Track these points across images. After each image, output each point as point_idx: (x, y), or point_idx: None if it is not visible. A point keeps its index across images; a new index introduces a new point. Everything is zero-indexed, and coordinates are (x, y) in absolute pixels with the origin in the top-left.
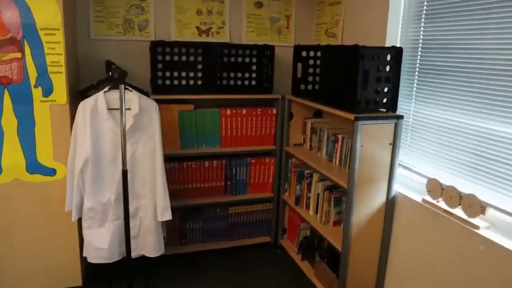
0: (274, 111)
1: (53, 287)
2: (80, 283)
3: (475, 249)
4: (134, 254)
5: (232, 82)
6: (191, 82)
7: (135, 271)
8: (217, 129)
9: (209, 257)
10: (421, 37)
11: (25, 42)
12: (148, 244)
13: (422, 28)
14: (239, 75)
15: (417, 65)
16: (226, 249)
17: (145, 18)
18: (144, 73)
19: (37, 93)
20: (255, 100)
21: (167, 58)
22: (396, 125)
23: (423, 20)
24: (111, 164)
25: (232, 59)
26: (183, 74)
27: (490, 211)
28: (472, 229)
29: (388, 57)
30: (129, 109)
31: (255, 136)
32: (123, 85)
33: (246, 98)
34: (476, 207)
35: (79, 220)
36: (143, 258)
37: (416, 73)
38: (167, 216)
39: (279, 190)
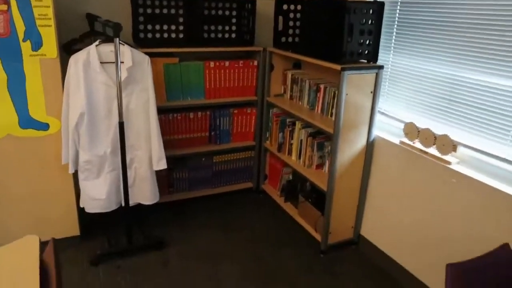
0: (255, 63)
1: (50, 236)
2: (78, 233)
3: (448, 181)
4: (131, 203)
5: (213, 35)
6: (173, 35)
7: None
8: (201, 81)
9: (196, 204)
10: None
11: None
12: (144, 192)
13: None
14: (220, 28)
15: (396, 19)
16: (212, 195)
17: None
18: (124, 26)
19: (26, 47)
20: (236, 52)
21: (149, 10)
22: (377, 75)
23: None
24: (105, 117)
25: (213, 12)
26: (165, 27)
27: (460, 149)
28: (445, 164)
29: (371, 11)
30: (122, 62)
31: (237, 88)
32: (118, 39)
33: (228, 51)
34: (449, 145)
35: (75, 172)
36: (134, 207)
37: (395, 26)
38: (163, 165)
39: (260, 138)
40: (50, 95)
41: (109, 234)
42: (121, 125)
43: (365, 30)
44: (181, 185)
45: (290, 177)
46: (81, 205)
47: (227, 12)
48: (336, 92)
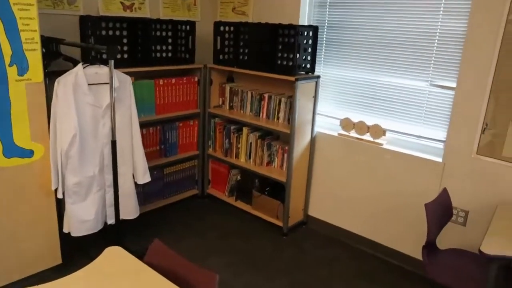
0: (196, 78)
1: (33, 270)
2: (60, 261)
3: (382, 158)
4: (115, 219)
5: (154, 55)
6: (119, 55)
7: (103, 236)
8: (152, 98)
9: (153, 216)
10: (327, 18)
11: None
12: (127, 208)
13: (327, 12)
14: (164, 48)
15: (324, 39)
16: (165, 206)
17: None
18: (74, 48)
19: (12, 72)
20: (174, 70)
21: (97, 32)
22: (316, 83)
23: (328, 6)
24: (92, 138)
25: (157, 34)
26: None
27: (388, 133)
28: (378, 146)
29: (310, 33)
30: (107, 83)
31: (181, 102)
32: (112, 61)
33: (168, 69)
34: (380, 132)
35: (57, 198)
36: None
37: (324, 44)
38: (147, 178)
39: (203, 147)
40: (35, 120)
41: (93, 255)
42: (113, 144)
43: (307, 48)
44: (138, 199)
45: (239, 177)
46: (66, 230)
47: (169, 33)
48: (282, 99)
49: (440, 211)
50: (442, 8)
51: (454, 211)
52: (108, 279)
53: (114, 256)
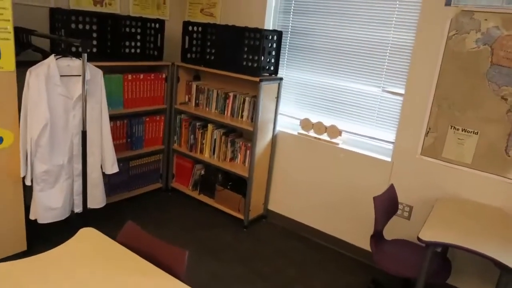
0: (164, 75)
1: None
2: (25, 248)
3: (337, 157)
4: (83, 208)
5: (122, 50)
6: (88, 49)
7: (68, 225)
8: (121, 92)
9: (117, 208)
10: (290, 24)
11: None
12: (95, 197)
13: (291, 18)
14: (133, 44)
15: (288, 43)
16: (128, 198)
17: None
18: (43, 39)
19: None
20: (141, 66)
21: (67, 25)
22: (279, 84)
23: (291, 13)
24: (63, 128)
25: (127, 30)
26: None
27: (344, 134)
28: (334, 145)
29: (275, 37)
30: (79, 75)
31: (148, 98)
32: (86, 54)
33: (135, 65)
34: (336, 132)
35: (24, 186)
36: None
37: (287, 48)
38: (115, 168)
39: (169, 142)
40: (6, 108)
41: (59, 243)
42: (84, 134)
43: (271, 51)
44: None
45: (203, 172)
46: (33, 217)
47: (139, 30)
48: (246, 98)
49: (387, 204)
50: (394, 21)
51: (400, 206)
52: (83, 258)
53: (89, 237)
